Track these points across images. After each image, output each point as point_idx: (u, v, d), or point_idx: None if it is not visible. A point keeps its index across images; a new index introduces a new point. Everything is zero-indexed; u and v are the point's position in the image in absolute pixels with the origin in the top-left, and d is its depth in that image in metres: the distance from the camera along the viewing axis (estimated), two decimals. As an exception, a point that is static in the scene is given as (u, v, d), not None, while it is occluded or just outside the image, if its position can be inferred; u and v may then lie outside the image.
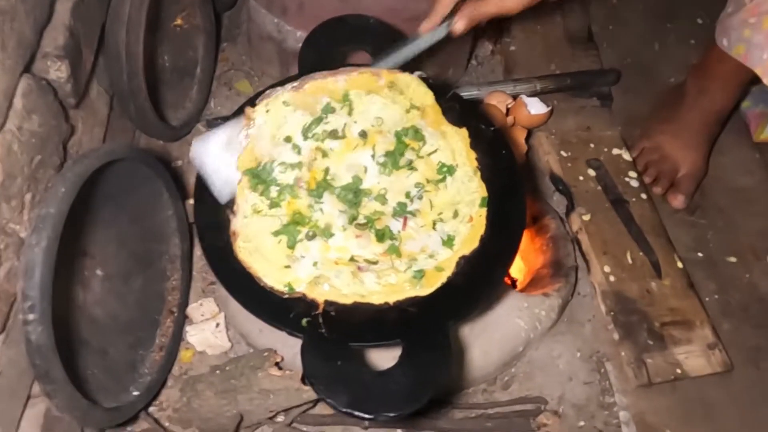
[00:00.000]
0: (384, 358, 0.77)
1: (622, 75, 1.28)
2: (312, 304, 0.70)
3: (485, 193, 0.77)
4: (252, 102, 0.78)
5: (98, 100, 0.92)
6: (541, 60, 1.28)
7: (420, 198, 0.77)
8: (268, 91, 0.78)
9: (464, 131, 0.81)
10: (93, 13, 0.86)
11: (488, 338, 0.86)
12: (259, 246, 0.73)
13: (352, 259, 0.72)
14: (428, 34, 0.83)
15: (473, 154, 0.80)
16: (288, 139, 0.76)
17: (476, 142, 0.81)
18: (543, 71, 1.26)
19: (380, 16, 1.01)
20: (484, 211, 0.75)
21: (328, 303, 0.70)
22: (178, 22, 1.11)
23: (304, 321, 0.69)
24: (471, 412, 0.86)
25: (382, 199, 0.76)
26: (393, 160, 0.78)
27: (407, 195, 0.77)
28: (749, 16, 0.92)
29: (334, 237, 0.73)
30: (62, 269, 0.78)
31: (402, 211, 0.75)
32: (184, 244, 0.91)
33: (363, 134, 0.78)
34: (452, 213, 0.75)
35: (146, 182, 0.85)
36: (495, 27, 1.34)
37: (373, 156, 0.78)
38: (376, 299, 0.70)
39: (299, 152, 0.76)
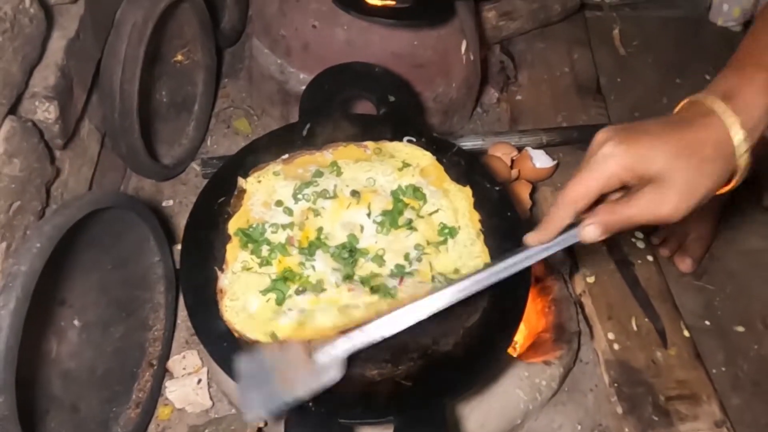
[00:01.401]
0: (374, 435, 0.72)
1: (630, 129, 1.25)
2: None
3: (488, 259, 0.73)
4: (245, 173, 0.77)
5: (89, 138, 0.88)
6: (548, 110, 1.26)
7: (419, 260, 0.73)
8: (259, 165, 0.78)
9: (468, 190, 0.78)
10: (88, 50, 0.83)
11: (485, 410, 0.81)
12: (246, 304, 0.69)
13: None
14: (543, 246, 0.61)
15: (476, 215, 0.76)
16: (279, 203, 0.75)
17: (480, 202, 0.78)
18: (550, 122, 1.24)
19: (386, 61, 0.99)
20: None
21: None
22: (179, 57, 1.09)
23: (289, 392, 0.64)
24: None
25: (379, 260, 0.73)
26: (391, 219, 0.75)
27: (406, 257, 0.73)
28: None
29: (326, 292, 0.69)
30: (35, 320, 0.74)
31: (400, 273, 0.72)
32: (169, 292, 0.87)
33: (355, 194, 0.76)
34: (453, 271, 0.72)
35: (132, 228, 0.80)
36: (502, 74, 1.33)
37: (368, 215, 0.75)
38: None
39: (291, 214, 0.74)
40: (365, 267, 0.72)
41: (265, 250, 0.72)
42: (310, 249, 0.72)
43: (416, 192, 0.77)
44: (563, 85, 1.30)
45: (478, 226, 0.76)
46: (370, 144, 0.82)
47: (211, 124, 1.15)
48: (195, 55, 1.09)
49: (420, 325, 0.67)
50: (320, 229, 0.73)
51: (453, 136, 1.16)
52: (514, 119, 1.25)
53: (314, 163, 0.80)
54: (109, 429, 0.78)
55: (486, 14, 1.29)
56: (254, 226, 0.73)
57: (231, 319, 0.68)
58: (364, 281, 0.70)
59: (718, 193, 0.55)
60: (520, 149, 1.13)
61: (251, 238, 0.73)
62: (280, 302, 0.68)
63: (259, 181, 0.77)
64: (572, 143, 1.19)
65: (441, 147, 0.86)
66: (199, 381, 0.85)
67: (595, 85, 1.32)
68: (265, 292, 0.69)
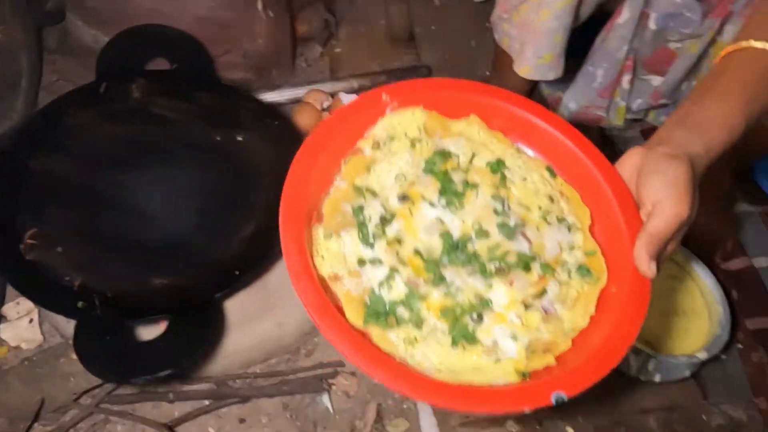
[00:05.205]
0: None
1: (438, 70, 1.41)
2: (89, 289, 0.78)
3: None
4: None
5: None
6: (364, 60, 1.39)
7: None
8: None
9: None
10: None
11: (282, 311, 0.94)
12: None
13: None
14: None
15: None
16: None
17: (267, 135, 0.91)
18: (366, 70, 1.37)
19: (194, 24, 1.10)
20: None
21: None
22: (-4, 36, 1.15)
23: (79, 303, 0.76)
24: (274, 379, 0.95)
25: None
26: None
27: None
28: (502, 11, 1.05)
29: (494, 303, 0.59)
30: None
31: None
32: None
33: (403, 198, 0.63)
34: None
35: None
36: (326, 30, 1.45)
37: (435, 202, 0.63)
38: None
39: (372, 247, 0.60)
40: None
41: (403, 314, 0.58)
42: (433, 279, 0.58)
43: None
44: (379, 37, 1.44)
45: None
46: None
47: (40, 98, 1.22)
48: (14, 34, 1.16)
49: (203, 239, 0.82)
50: (416, 251, 0.60)
51: (272, 88, 1.28)
52: (333, 71, 1.38)
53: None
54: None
55: (304, -25, 1.40)
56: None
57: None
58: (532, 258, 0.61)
59: None
60: (333, 95, 1.26)
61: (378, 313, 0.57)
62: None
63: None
64: (382, 85, 1.33)
65: (231, 94, 0.99)
66: (31, 320, 0.95)
67: (409, 35, 1.46)
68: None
